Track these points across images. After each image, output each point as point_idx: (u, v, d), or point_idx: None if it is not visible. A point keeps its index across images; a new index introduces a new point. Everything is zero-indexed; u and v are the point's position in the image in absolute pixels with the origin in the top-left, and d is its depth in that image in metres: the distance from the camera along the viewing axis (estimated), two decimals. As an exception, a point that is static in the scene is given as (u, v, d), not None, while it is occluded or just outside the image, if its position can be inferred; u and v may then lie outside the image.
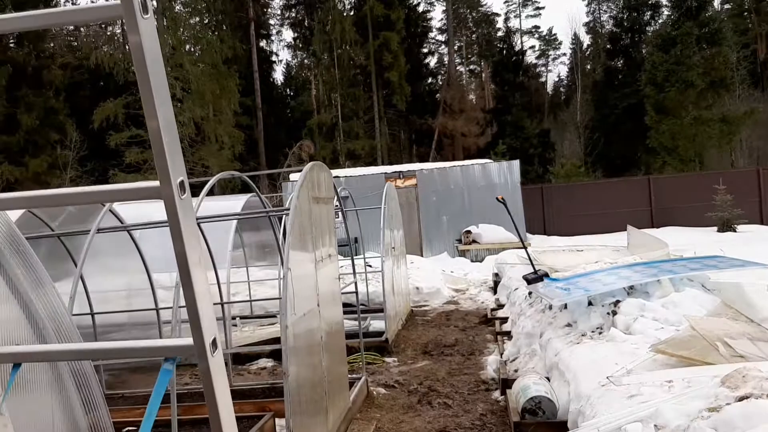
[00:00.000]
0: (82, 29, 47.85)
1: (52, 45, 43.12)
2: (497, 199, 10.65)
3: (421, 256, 20.92)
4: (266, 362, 9.74)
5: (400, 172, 23.30)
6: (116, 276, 9.81)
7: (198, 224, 7.30)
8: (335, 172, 25.53)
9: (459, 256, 21.52)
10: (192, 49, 35.58)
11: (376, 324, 11.48)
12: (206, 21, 39.67)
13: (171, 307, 10.16)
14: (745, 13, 50.97)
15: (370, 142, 41.97)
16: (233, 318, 12.15)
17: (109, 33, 44.83)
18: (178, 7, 34.94)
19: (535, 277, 9.23)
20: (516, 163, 23.36)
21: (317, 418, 5.49)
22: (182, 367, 9.91)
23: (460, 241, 22.19)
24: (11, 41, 36.61)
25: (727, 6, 49.23)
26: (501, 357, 8.54)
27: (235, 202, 10.57)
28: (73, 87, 39.14)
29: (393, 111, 44.67)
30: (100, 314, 7.96)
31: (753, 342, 5.30)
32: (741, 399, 3.22)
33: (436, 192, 22.95)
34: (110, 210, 6.96)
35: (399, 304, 11.73)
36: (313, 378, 5.46)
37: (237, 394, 7.51)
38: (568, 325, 7.40)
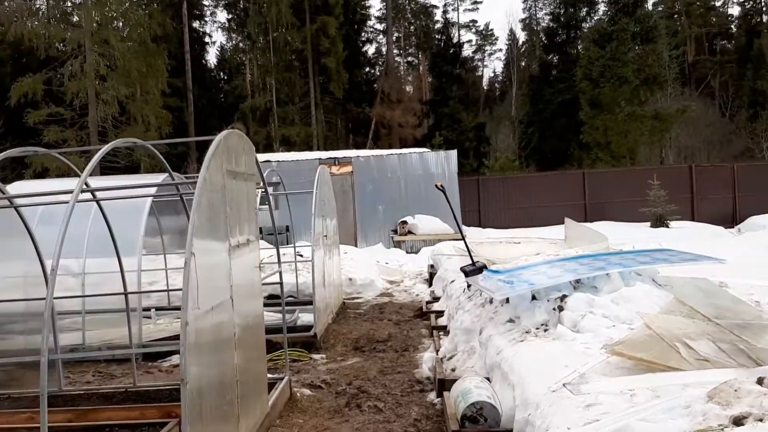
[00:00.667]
0: (5, 2, 44.80)
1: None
2: (437, 186, 10.03)
3: (356, 246, 20.23)
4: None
5: (336, 158, 22.51)
6: (11, 261, 8.73)
7: (97, 202, 6.37)
8: (267, 156, 24.51)
9: (394, 247, 20.94)
10: (119, 26, 33.68)
11: (305, 317, 10.72)
12: (136, -3, 37.69)
13: (75, 297, 9.17)
14: (675, 15, 52.36)
15: (305, 129, 40.92)
16: (148, 309, 11.17)
17: (34, 8, 41.98)
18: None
19: (473, 269, 8.66)
20: (453, 153, 22.91)
21: (225, 427, 4.71)
22: (86, 363, 8.92)
23: (395, 231, 21.60)
24: None
25: (659, 8, 50.32)
26: (437, 354, 7.92)
27: (148, 181, 9.55)
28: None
29: (330, 98, 43.72)
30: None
31: (715, 343, 4.83)
32: (738, 420, 2.66)
33: (373, 180, 22.27)
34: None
35: (330, 296, 10.99)
36: (221, 380, 4.67)
37: (141, 397, 6.65)
38: (511, 320, 6.84)
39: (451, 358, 7.49)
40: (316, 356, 8.69)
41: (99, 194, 6.36)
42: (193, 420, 3.91)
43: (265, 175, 8.22)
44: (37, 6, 35.39)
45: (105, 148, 4.75)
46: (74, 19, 34.43)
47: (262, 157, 22.21)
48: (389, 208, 22.05)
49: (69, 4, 34.54)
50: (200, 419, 4.08)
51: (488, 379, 6.08)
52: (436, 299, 12.02)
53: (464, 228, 22.16)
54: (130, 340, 7.27)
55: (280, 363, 8.12)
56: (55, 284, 7.97)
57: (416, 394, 6.85)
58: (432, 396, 6.67)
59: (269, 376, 6.47)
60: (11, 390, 6.96)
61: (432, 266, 14.72)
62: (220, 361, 4.72)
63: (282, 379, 6.77)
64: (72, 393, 6.71)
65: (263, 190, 7.08)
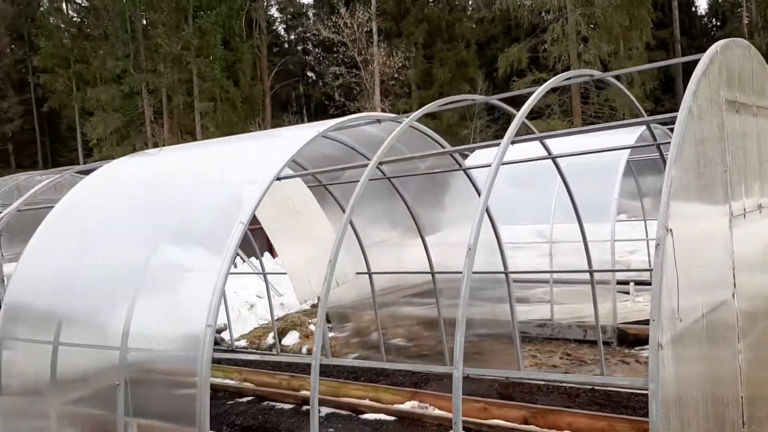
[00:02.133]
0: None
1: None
2: None
3: None
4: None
5: None
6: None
7: (553, 160, 5.25)
8: None
9: None
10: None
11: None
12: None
13: (527, 272, 8.41)
14: None
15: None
16: (625, 283, 9.80)
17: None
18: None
19: None
20: None
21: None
22: (554, 341, 8.10)
23: None
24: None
25: None
26: None
27: (622, 136, 7.98)
28: (487, 41, 39.79)
29: None
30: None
31: None
32: None
33: None
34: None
35: None
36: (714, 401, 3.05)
37: (610, 401, 5.36)
38: None
39: None
40: None
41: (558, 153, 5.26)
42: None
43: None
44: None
45: (543, 88, 3.58)
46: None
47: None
48: None
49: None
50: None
51: None
52: None
53: None
54: (596, 322, 6.05)
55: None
56: (501, 254, 7.08)
57: None
58: None
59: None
60: (472, 366, 6.46)
61: None
62: (715, 374, 3.10)
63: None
64: (530, 382, 5.85)
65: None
